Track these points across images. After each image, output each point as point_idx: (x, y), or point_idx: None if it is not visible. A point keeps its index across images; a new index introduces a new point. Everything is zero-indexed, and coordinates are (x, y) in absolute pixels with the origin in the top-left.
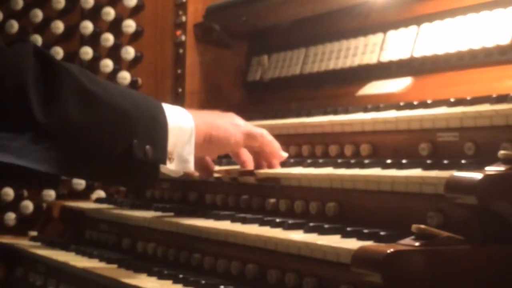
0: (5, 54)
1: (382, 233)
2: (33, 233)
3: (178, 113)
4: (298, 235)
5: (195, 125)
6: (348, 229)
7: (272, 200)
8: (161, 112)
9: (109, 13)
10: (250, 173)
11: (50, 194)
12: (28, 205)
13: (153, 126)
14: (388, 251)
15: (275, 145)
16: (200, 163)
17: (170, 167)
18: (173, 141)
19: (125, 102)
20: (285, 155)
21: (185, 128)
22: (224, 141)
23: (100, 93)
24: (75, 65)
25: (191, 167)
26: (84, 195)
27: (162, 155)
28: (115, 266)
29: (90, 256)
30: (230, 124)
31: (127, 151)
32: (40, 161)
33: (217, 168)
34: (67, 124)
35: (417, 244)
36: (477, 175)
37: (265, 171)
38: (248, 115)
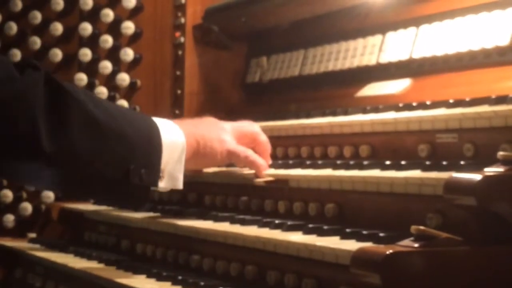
0: (17, 83)
1: (381, 234)
2: (32, 235)
3: (171, 129)
4: (297, 237)
5: (186, 139)
6: (347, 230)
7: (271, 202)
8: (157, 134)
9: (108, 14)
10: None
11: (49, 196)
12: (27, 207)
13: (149, 149)
14: (387, 252)
15: (259, 165)
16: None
17: (160, 185)
18: (165, 160)
19: (126, 127)
20: (265, 173)
21: (176, 146)
22: (210, 157)
23: (106, 121)
24: (82, 90)
25: (180, 185)
26: None
27: (155, 177)
28: (114, 267)
29: (89, 257)
30: (217, 141)
31: (124, 176)
32: (47, 184)
33: (217, 169)
34: (72, 154)
35: (416, 245)
36: (477, 176)
37: (266, 172)
38: (247, 117)
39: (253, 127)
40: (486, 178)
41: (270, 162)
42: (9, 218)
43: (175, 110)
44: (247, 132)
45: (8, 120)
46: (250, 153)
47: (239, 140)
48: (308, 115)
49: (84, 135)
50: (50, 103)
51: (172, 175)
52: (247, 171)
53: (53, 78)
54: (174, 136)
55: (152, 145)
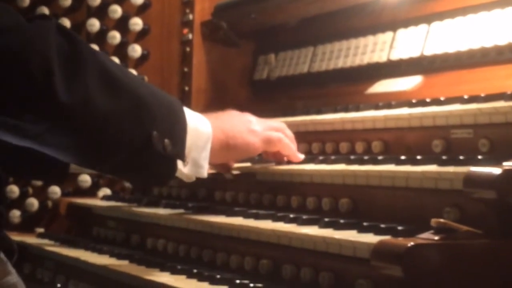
0: (28, 32)
1: (399, 227)
2: (40, 230)
3: (197, 117)
4: (313, 230)
5: (213, 132)
6: (365, 224)
7: (284, 197)
8: (181, 110)
9: (116, 11)
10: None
11: (55, 191)
12: (33, 203)
13: (173, 121)
14: (409, 245)
15: (292, 148)
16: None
17: (184, 171)
18: (189, 144)
19: (146, 91)
20: (301, 157)
21: (202, 133)
22: (243, 148)
23: (122, 78)
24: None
25: (204, 173)
26: (89, 192)
27: (180, 150)
28: (126, 261)
29: (100, 252)
30: (248, 132)
31: (146, 142)
32: (59, 148)
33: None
34: (89, 106)
35: (436, 238)
36: (497, 170)
37: (277, 167)
38: (254, 114)
39: (278, 123)
40: (506, 172)
41: (303, 156)
42: (16, 214)
43: None
44: (272, 126)
45: (19, 67)
46: (283, 135)
47: (265, 144)
48: (319, 111)
49: (101, 89)
50: (64, 51)
51: (196, 162)
52: (258, 165)
53: (66, 28)
54: (200, 123)
55: (175, 117)
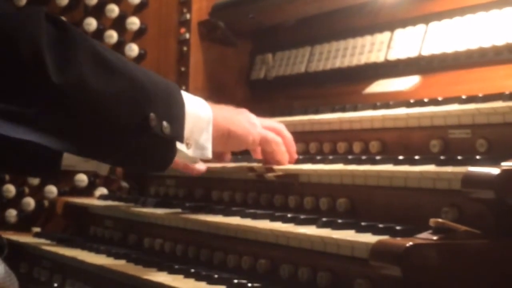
0: (17, 18)
1: (397, 227)
2: (37, 229)
3: (197, 100)
4: (311, 230)
5: (214, 117)
6: (363, 223)
7: (281, 197)
8: (178, 92)
9: (113, 10)
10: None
11: (52, 191)
12: (30, 202)
13: (170, 103)
14: (407, 245)
15: (285, 157)
16: (215, 152)
17: (188, 153)
18: (190, 127)
19: (141, 74)
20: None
21: (202, 115)
22: (242, 138)
23: (116, 61)
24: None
25: (208, 154)
26: (86, 192)
27: (179, 132)
28: (123, 261)
29: (97, 251)
30: (248, 123)
31: (144, 124)
32: (53, 133)
33: (224, 164)
34: (82, 87)
35: (435, 238)
36: (495, 170)
37: (276, 167)
38: (252, 113)
39: (277, 123)
40: (504, 172)
41: (296, 157)
42: (12, 213)
43: None
44: (270, 127)
45: (8, 51)
46: (281, 141)
47: (262, 140)
48: (316, 111)
49: (94, 70)
50: (54, 36)
51: (199, 144)
52: (255, 164)
53: (55, 15)
54: (201, 108)
55: (173, 100)
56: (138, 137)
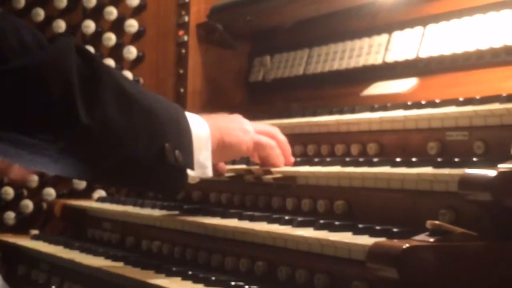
0: (49, 49)
1: (394, 229)
2: (35, 232)
3: (195, 119)
4: (308, 232)
5: (210, 131)
6: (360, 226)
7: (279, 199)
8: (185, 118)
9: (112, 12)
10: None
11: (50, 193)
12: (28, 204)
13: (180, 131)
14: (404, 247)
15: (280, 160)
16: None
17: (191, 174)
18: (194, 148)
19: (158, 106)
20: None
21: (202, 135)
22: (236, 147)
23: (137, 96)
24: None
25: (209, 172)
26: (84, 194)
27: (190, 160)
28: (121, 263)
29: (95, 254)
30: (241, 131)
31: (160, 155)
32: (78, 168)
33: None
34: (109, 126)
35: (432, 240)
36: (492, 172)
37: (273, 169)
38: (250, 116)
39: (271, 127)
40: (501, 174)
41: (292, 160)
42: (10, 215)
43: None
44: (264, 131)
45: (41, 88)
46: (275, 144)
47: (256, 146)
48: (314, 113)
49: (117, 108)
50: (83, 72)
51: (200, 163)
52: (254, 167)
53: (84, 48)
54: (199, 126)
55: (183, 127)
56: (155, 168)
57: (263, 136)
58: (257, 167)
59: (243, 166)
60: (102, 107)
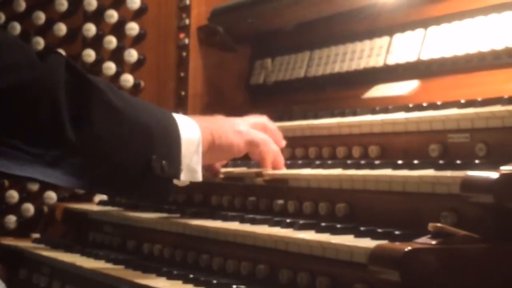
0: (38, 68)
1: (396, 232)
2: (36, 235)
3: (187, 124)
4: (310, 235)
5: (201, 134)
6: (362, 228)
7: (280, 202)
8: (175, 126)
9: (112, 15)
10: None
11: (51, 196)
12: (29, 208)
13: (169, 142)
14: (406, 249)
15: (275, 155)
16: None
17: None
18: (183, 153)
19: (147, 118)
20: (282, 167)
21: (193, 139)
22: (226, 149)
23: (126, 109)
24: (102, 80)
25: (199, 177)
26: (85, 198)
27: (176, 170)
28: (122, 266)
29: (96, 257)
30: (233, 132)
31: (146, 167)
32: (65, 179)
33: (223, 170)
34: (96, 142)
35: (434, 242)
36: (494, 174)
37: (273, 172)
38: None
39: (261, 118)
40: (504, 176)
41: (283, 145)
42: (11, 219)
43: (179, 112)
44: (256, 123)
45: (29, 106)
46: (269, 140)
47: (249, 145)
48: (316, 116)
49: (105, 123)
50: (71, 89)
51: (190, 167)
52: (254, 170)
53: (74, 65)
54: (191, 130)
55: (171, 137)
56: (141, 179)
57: (258, 132)
58: (255, 169)
59: (244, 169)
60: (90, 123)
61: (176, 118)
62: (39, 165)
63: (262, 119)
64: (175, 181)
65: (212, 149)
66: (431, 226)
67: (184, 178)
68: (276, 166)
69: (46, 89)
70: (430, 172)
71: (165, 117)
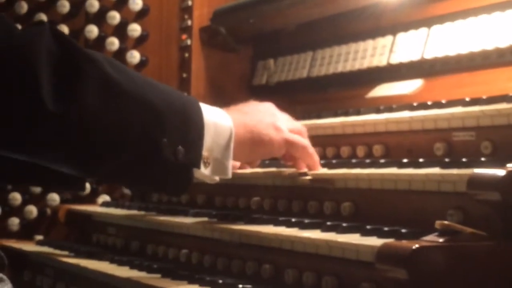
0: (17, 39)
1: (403, 230)
2: (39, 237)
3: (216, 113)
4: (316, 234)
5: (235, 128)
6: (368, 227)
7: (285, 202)
8: (196, 110)
9: (114, 17)
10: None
11: (54, 198)
12: (32, 210)
13: (186, 125)
14: (414, 247)
15: (314, 158)
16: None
17: (205, 173)
18: (209, 145)
19: (153, 95)
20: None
21: (223, 131)
22: (268, 147)
23: (125, 83)
24: (100, 53)
25: (228, 173)
26: (88, 199)
27: (195, 158)
28: (126, 268)
29: (100, 258)
30: (274, 128)
31: (155, 150)
32: (53, 159)
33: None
34: (85, 114)
35: (441, 240)
36: (500, 172)
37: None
38: None
39: (300, 124)
40: (510, 173)
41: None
42: (14, 221)
43: None
44: (294, 128)
45: (4, 76)
46: (308, 144)
47: (289, 146)
48: (319, 116)
49: (98, 97)
50: (56, 58)
51: (219, 162)
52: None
53: (61, 33)
54: (220, 120)
55: (190, 121)
56: (149, 163)
57: (295, 136)
58: (264, 170)
59: (252, 170)
60: (78, 95)
61: (202, 105)
62: (24, 149)
63: (300, 126)
64: (205, 178)
65: (250, 145)
66: (438, 223)
67: (212, 173)
68: (313, 167)
69: (23, 59)
70: (436, 170)
71: (184, 101)
